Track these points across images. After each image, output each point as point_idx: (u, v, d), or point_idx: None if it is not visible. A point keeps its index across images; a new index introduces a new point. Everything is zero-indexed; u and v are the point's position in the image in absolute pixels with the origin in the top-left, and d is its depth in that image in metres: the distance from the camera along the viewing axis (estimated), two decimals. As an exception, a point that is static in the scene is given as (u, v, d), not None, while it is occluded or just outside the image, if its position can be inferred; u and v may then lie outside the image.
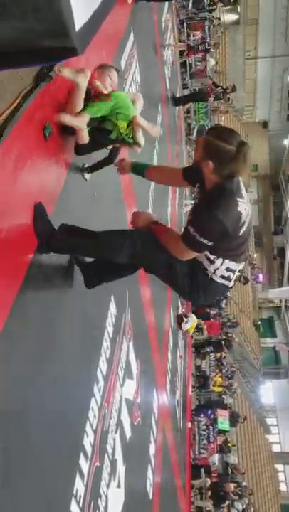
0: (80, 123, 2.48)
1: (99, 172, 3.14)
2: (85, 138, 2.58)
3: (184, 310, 10.50)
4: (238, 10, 24.91)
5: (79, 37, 0.86)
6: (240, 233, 2.10)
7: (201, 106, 13.63)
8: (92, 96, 2.60)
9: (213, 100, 12.82)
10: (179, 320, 10.03)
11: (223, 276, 2.22)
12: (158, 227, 2.27)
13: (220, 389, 13.75)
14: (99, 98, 2.60)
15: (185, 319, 10.18)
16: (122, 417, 3.53)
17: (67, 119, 2.41)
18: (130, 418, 3.81)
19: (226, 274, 2.22)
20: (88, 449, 2.63)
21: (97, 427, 2.84)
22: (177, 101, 10.97)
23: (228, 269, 2.21)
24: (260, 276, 28.79)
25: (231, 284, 2.28)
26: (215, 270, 2.19)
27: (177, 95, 11.37)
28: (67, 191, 2.57)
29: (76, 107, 2.47)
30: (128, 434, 3.69)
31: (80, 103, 2.47)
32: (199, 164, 2.10)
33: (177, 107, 11.63)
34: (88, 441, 2.64)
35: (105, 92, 2.65)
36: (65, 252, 2.40)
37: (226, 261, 2.18)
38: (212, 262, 2.18)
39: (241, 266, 2.33)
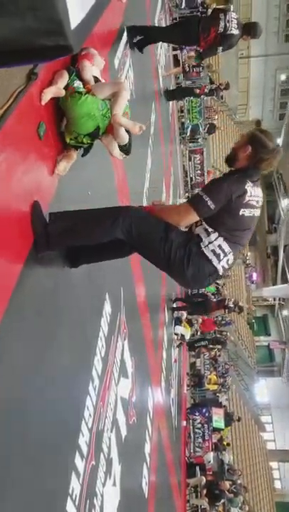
0: (58, 90, 2.37)
1: (92, 171, 3.13)
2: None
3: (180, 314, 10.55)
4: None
5: (74, 35, 0.86)
6: (240, 213, 2.40)
7: (195, 105, 13.63)
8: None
9: (206, 96, 12.71)
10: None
11: (214, 252, 2.39)
12: (144, 207, 2.54)
13: (215, 387, 13.79)
14: (67, 89, 2.45)
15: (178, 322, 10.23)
16: (117, 416, 3.53)
17: (48, 92, 2.31)
18: (126, 417, 3.82)
19: (217, 251, 2.40)
20: (84, 448, 2.63)
21: (93, 426, 2.84)
22: (170, 95, 10.78)
23: (220, 247, 2.41)
24: (254, 275, 28.89)
25: (220, 266, 2.42)
26: (208, 243, 2.39)
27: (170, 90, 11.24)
28: (62, 190, 2.56)
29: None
30: (123, 433, 3.70)
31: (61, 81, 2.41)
32: (237, 150, 2.50)
33: (171, 105, 11.63)
34: (84, 440, 2.64)
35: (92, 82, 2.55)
36: (62, 242, 2.36)
37: (220, 238, 2.40)
38: (208, 234, 2.40)
39: (232, 257, 2.47)
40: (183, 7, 13.20)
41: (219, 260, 2.42)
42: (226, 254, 2.44)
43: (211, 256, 2.40)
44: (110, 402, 3.35)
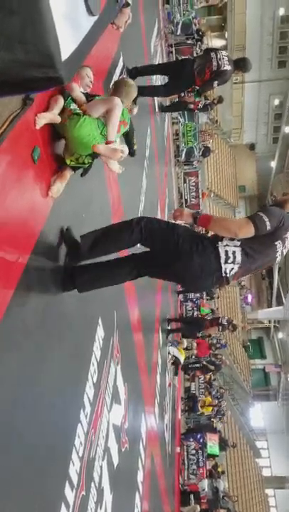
0: (53, 116, 2.40)
1: (87, 193, 3.13)
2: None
3: (173, 337, 10.47)
4: (226, 36, 25.54)
5: (65, 66, 0.85)
6: (274, 243, 2.67)
7: (190, 129, 13.81)
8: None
9: (200, 111, 12.81)
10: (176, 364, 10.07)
11: (226, 253, 2.61)
12: (202, 215, 2.72)
13: (209, 409, 13.58)
14: (63, 112, 2.48)
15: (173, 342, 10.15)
16: (109, 444, 3.44)
17: (43, 116, 2.33)
18: (118, 444, 3.72)
19: (230, 254, 2.61)
20: (74, 478, 2.55)
21: (84, 455, 2.76)
22: (164, 108, 10.82)
23: (233, 254, 2.61)
24: (249, 296, 28.84)
25: (224, 267, 2.62)
26: (226, 245, 2.62)
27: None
28: (56, 213, 2.55)
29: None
30: (115, 461, 3.60)
31: (56, 107, 2.45)
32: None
33: (166, 128, 11.75)
34: (74, 469, 2.57)
35: (83, 100, 2.57)
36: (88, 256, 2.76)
37: (239, 249, 2.61)
38: (232, 239, 2.63)
39: (237, 269, 2.65)
40: (178, 34, 13.48)
41: (226, 262, 2.61)
42: (233, 262, 2.62)
43: (221, 254, 2.61)
44: (102, 430, 3.27)
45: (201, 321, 11.27)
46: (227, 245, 2.62)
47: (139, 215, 2.83)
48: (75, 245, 2.68)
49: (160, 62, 8.00)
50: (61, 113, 2.50)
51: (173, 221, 2.79)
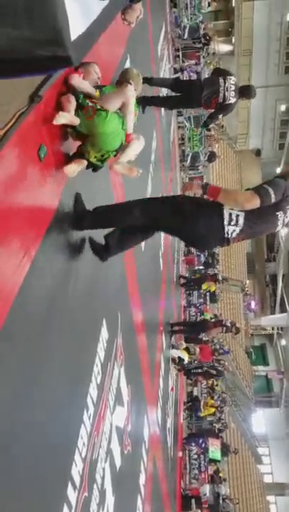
0: (72, 117, 2.45)
1: (92, 196, 3.13)
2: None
3: (175, 340, 10.42)
4: (233, 41, 25.57)
5: (74, 47, 0.83)
6: (276, 213, 2.81)
7: (196, 133, 13.80)
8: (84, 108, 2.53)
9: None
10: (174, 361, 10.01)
11: (230, 215, 2.74)
12: (211, 186, 2.82)
13: (212, 410, 13.48)
14: (87, 109, 2.52)
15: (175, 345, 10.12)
16: (112, 446, 3.42)
17: (62, 116, 2.35)
18: (120, 447, 3.70)
19: (233, 217, 2.74)
20: (77, 479, 2.53)
21: (87, 456, 2.74)
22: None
23: (236, 217, 2.74)
24: (253, 303, 28.72)
25: (226, 228, 2.76)
26: (231, 208, 2.74)
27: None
28: (61, 213, 2.54)
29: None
30: (118, 463, 3.58)
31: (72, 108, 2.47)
32: None
33: (172, 133, 11.75)
34: (77, 470, 2.55)
35: (95, 94, 2.58)
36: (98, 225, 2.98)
37: (243, 214, 2.74)
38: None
39: (238, 231, 2.79)
40: (186, 37, 13.50)
41: (229, 224, 2.75)
42: (236, 225, 2.76)
43: (225, 216, 2.74)
44: (105, 431, 3.25)
45: (204, 323, 11.23)
46: (232, 209, 2.75)
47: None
48: (83, 212, 2.84)
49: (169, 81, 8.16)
50: (79, 110, 2.52)
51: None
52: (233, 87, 5.52)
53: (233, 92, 5.51)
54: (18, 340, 1.92)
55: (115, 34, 4.43)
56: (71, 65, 0.88)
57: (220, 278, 16.08)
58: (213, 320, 13.13)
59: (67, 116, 2.38)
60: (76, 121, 2.48)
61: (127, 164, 2.73)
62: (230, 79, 5.54)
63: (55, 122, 2.31)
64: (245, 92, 5.70)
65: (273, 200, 2.72)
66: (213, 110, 5.87)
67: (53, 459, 2.25)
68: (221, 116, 6.14)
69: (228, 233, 2.78)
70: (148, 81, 5.61)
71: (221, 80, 5.50)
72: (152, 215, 2.93)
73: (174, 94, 6.23)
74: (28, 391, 1.97)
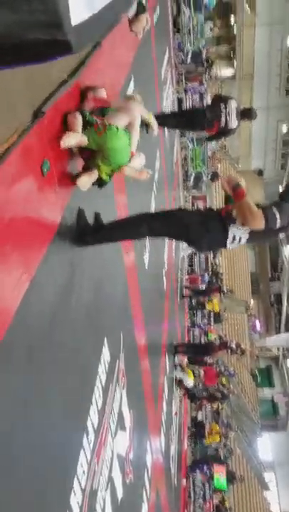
0: (80, 137, 2.46)
1: (93, 210, 3.07)
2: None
3: (180, 359, 10.25)
4: (234, 65, 25.97)
5: (75, 32, 0.77)
6: (279, 236, 3.04)
7: (199, 153, 13.87)
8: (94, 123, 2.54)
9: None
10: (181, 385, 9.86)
11: (233, 236, 2.89)
12: (241, 189, 2.81)
13: (216, 438, 13.18)
14: (97, 126, 2.54)
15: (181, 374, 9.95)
16: (113, 474, 3.27)
17: (70, 136, 2.36)
18: (122, 475, 3.55)
19: (236, 238, 2.90)
20: (75, 509, 2.39)
21: (86, 485, 2.61)
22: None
23: (239, 238, 2.90)
24: (258, 324, 28.45)
25: (227, 246, 2.95)
26: (237, 229, 2.85)
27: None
28: (64, 229, 2.48)
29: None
30: (119, 492, 3.43)
31: (80, 128, 2.48)
32: None
33: (175, 153, 11.80)
34: (76, 500, 2.42)
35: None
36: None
37: (247, 233, 2.87)
38: (243, 226, 2.83)
39: (238, 245, 2.98)
40: (188, 62, 13.68)
41: (232, 243, 2.92)
42: (238, 243, 2.94)
43: (229, 236, 2.89)
44: (106, 459, 3.11)
45: (209, 345, 11.05)
46: (238, 229, 2.86)
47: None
48: (86, 227, 2.85)
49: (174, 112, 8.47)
50: (88, 126, 2.53)
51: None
52: (234, 111, 5.71)
53: (234, 116, 5.71)
54: (16, 360, 1.84)
55: (120, 57, 4.44)
56: (71, 51, 0.81)
57: (225, 290, 16.02)
58: (217, 341, 12.96)
59: (75, 137, 2.38)
60: (84, 141, 2.49)
61: (138, 168, 2.78)
62: (231, 104, 5.72)
63: (63, 144, 2.30)
64: (246, 114, 5.93)
65: (278, 225, 2.78)
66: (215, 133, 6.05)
67: (50, 488, 2.13)
68: (223, 138, 6.45)
69: (226, 247, 2.99)
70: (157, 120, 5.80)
71: (223, 106, 5.69)
72: (158, 233, 3.16)
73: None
74: (25, 412, 1.88)
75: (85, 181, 2.57)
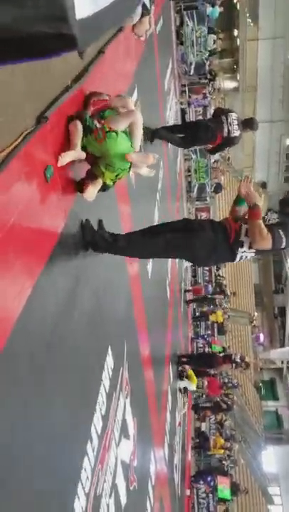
0: (78, 153, 2.47)
1: (97, 216, 3.10)
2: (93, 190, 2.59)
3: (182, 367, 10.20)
4: (238, 77, 26.18)
5: (80, 26, 0.78)
6: (280, 250, 3.20)
7: (202, 165, 13.94)
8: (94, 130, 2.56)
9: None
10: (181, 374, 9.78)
11: (241, 257, 3.09)
12: (258, 210, 2.94)
13: (221, 451, 13.05)
14: (96, 133, 2.55)
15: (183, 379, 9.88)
16: (117, 481, 3.26)
17: (67, 155, 2.38)
18: (126, 482, 3.53)
19: (244, 257, 3.09)
20: (79, 515, 2.38)
21: (90, 491, 2.60)
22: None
23: (246, 257, 3.12)
24: (261, 336, 28.29)
25: (237, 258, 3.10)
26: (243, 252, 3.04)
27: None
28: (66, 235, 2.50)
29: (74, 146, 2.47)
30: (123, 500, 3.41)
31: (79, 141, 2.49)
32: None
33: (178, 164, 11.85)
34: (80, 505, 2.41)
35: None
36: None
37: (253, 254, 3.07)
38: (250, 247, 3.01)
39: (251, 255, 3.14)
40: (192, 74, 13.80)
41: (239, 260, 3.12)
42: (245, 258, 3.13)
43: (237, 258, 3.08)
44: (110, 465, 3.10)
45: (213, 358, 10.96)
46: (245, 252, 3.04)
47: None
48: (94, 237, 2.93)
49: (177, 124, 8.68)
50: (88, 133, 2.54)
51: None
52: (235, 122, 5.93)
53: (236, 126, 5.92)
54: (19, 368, 1.83)
55: (123, 66, 4.51)
56: (76, 48, 0.83)
57: (228, 293, 16.00)
58: (222, 354, 12.88)
59: (71, 155, 2.41)
60: (82, 156, 2.51)
61: (142, 153, 2.78)
62: (232, 115, 5.98)
63: (60, 163, 2.32)
64: (248, 124, 6.08)
65: (283, 246, 2.98)
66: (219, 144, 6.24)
67: (54, 493, 2.13)
68: (226, 148, 6.83)
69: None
70: (154, 133, 6.11)
71: (224, 117, 5.96)
72: (171, 255, 3.65)
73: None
74: (29, 418, 1.88)
75: (92, 192, 2.58)
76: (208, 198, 15.42)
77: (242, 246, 3.03)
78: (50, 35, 0.78)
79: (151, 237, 3.19)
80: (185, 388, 10.00)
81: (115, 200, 3.92)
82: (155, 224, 3.52)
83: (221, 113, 6.15)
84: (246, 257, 3.10)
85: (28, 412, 1.87)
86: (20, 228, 1.92)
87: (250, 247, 3.01)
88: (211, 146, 6.61)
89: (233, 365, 10.40)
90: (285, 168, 29.98)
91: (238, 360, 10.26)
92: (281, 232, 2.93)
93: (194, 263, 3.47)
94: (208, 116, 11.77)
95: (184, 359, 10.43)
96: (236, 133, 5.95)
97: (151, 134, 6.03)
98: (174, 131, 6.96)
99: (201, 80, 14.27)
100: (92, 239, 2.87)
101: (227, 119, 5.93)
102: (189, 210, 15.42)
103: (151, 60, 6.98)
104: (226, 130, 5.91)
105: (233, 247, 3.05)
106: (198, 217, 15.72)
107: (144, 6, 3.49)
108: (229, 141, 6.11)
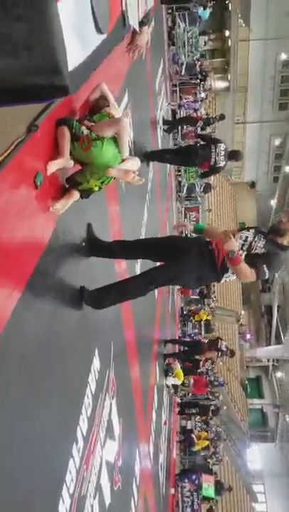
0: (66, 161, 2.49)
1: (87, 222, 3.13)
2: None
3: (170, 361, 10.28)
4: (228, 78, 26.27)
5: (71, 76, 0.83)
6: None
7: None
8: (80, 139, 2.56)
9: (203, 125, 12.77)
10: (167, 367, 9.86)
11: (225, 280, 3.31)
12: (237, 257, 3.02)
13: (205, 442, 13.13)
14: (82, 141, 2.55)
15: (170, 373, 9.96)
16: (101, 482, 3.30)
17: (55, 164, 2.40)
18: (110, 482, 3.58)
19: (228, 280, 3.29)
20: (63, 516, 2.43)
21: (75, 492, 2.64)
22: (170, 126, 10.89)
23: (230, 279, 3.30)
24: (248, 334, 28.53)
25: (222, 281, 3.31)
26: (226, 277, 3.25)
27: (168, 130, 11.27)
28: (56, 239, 2.53)
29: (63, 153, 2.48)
30: (107, 500, 3.46)
31: (66, 149, 2.50)
32: (286, 228, 3.20)
33: (168, 165, 11.88)
34: (64, 507, 2.45)
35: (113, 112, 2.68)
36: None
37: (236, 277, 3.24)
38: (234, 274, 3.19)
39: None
40: (183, 74, 13.82)
41: (224, 281, 3.31)
42: (229, 279, 3.30)
43: (222, 281, 3.31)
44: (94, 466, 3.14)
45: (199, 344, 11.03)
46: (229, 276, 3.23)
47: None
48: (95, 241, 3.25)
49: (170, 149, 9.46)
50: (75, 141, 2.55)
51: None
52: (223, 153, 6.68)
53: (222, 157, 6.70)
54: (7, 370, 1.87)
55: (114, 68, 4.52)
56: (67, 94, 0.88)
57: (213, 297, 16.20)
58: (207, 340, 12.90)
59: (59, 163, 2.42)
60: (70, 164, 2.52)
61: (122, 168, 2.72)
62: (221, 146, 6.69)
63: (48, 173, 2.34)
64: (233, 155, 6.98)
65: (266, 277, 3.20)
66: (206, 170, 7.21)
67: (38, 495, 2.17)
68: (212, 175, 8.00)
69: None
70: (148, 156, 6.81)
71: (213, 147, 6.67)
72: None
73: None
74: (14, 420, 1.91)
75: (62, 205, 2.52)
76: (198, 198, 15.49)
77: (227, 271, 3.20)
78: (44, 86, 0.82)
79: (143, 280, 3.40)
80: (173, 385, 10.08)
81: (104, 201, 3.95)
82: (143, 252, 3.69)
83: (210, 142, 6.86)
84: (231, 279, 3.29)
85: (12, 413, 1.90)
86: (10, 234, 1.96)
87: (234, 273, 3.19)
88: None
89: (219, 353, 10.41)
90: (274, 168, 30.20)
91: (224, 348, 10.28)
92: (265, 267, 3.08)
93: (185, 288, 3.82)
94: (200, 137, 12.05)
95: (171, 344, 10.50)
96: (222, 164, 6.73)
97: (147, 160, 6.88)
98: (166, 154, 7.73)
99: (192, 80, 14.29)
100: (92, 301, 3.12)
101: (216, 149, 6.63)
102: (179, 209, 15.48)
103: (142, 61, 7.01)
104: (213, 160, 6.67)
105: (219, 271, 3.21)
106: (188, 216, 15.80)
107: (145, 15, 3.33)
108: (214, 170, 7.04)
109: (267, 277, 3.19)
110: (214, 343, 10.53)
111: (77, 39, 0.84)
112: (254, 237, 3.21)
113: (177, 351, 11.13)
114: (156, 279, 3.34)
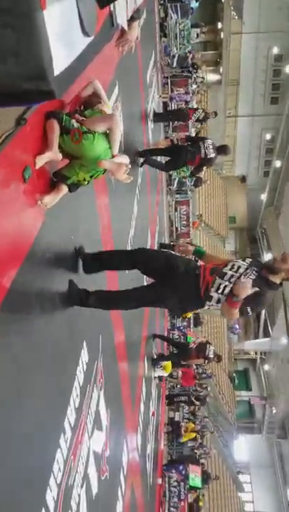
0: (54, 154, 2.49)
1: (76, 215, 3.13)
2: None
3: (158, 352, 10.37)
4: (220, 71, 26.20)
5: (58, 81, 0.85)
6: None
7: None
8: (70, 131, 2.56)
9: (195, 121, 12.74)
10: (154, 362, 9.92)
11: (208, 308, 3.32)
12: (238, 304, 3.02)
13: (192, 435, 13.27)
14: (73, 134, 2.56)
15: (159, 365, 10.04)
16: (88, 471, 3.35)
17: (43, 158, 2.40)
18: (98, 472, 3.63)
19: (211, 308, 3.28)
20: (51, 505, 2.47)
21: (62, 481, 2.69)
22: (158, 117, 10.98)
23: (213, 306, 3.23)
24: (236, 326, 28.71)
25: (205, 307, 3.35)
26: (212, 305, 3.22)
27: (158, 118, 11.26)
28: (45, 233, 2.55)
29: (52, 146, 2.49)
30: (94, 489, 3.51)
31: (55, 142, 2.50)
32: (280, 267, 3.12)
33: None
34: (51, 496, 2.49)
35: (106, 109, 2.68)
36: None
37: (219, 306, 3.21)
38: (218, 302, 3.17)
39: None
40: (174, 66, 13.78)
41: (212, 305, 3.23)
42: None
43: (205, 307, 3.34)
44: (82, 456, 3.19)
45: (186, 350, 11.03)
46: (213, 305, 3.22)
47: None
48: (88, 259, 3.32)
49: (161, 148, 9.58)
50: (65, 134, 2.54)
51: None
52: (211, 146, 7.23)
53: (212, 150, 7.22)
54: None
55: (104, 61, 4.51)
56: (54, 98, 0.91)
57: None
58: (195, 345, 12.94)
59: (47, 156, 2.42)
60: (58, 157, 2.52)
61: (115, 161, 2.74)
62: (208, 141, 7.31)
63: (36, 167, 2.35)
64: (221, 149, 7.47)
65: (249, 315, 3.41)
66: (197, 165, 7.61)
67: (26, 484, 2.20)
68: (204, 168, 8.19)
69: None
70: (140, 155, 7.30)
71: (201, 143, 7.27)
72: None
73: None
74: (2, 412, 1.94)
75: (50, 200, 2.53)
76: (188, 192, 15.50)
77: (210, 300, 3.19)
78: (31, 90, 0.84)
79: (127, 298, 3.50)
80: (160, 377, 10.16)
81: (94, 195, 3.96)
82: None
83: (198, 140, 7.45)
84: (214, 309, 3.30)
85: (1, 405, 1.93)
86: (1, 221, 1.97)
87: (218, 302, 3.17)
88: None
89: (206, 361, 10.39)
90: (265, 162, 30.25)
91: (211, 355, 10.25)
92: (249, 310, 3.10)
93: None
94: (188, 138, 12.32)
95: (160, 339, 10.60)
96: (212, 155, 7.21)
97: (141, 163, 7.43)
98: (158, 154, 8.16)
99: (184, 72, 14.26)
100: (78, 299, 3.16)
101: (204, 144, 7.19)
102: (169, 203, 15.49)
103: (133, 53, 6.98)
104: (203, 152, 7.15)
105: (202, 299, 3.22)
106: (178, 210, 15.80)
107: (136, 10, 3.34)
108: (206, 162, 7.37)
109: (249, 315, 3.24)
110: (202, 348, 10.45)
111: (63, 44, 0.86)
112: (246, 270, 3.15)
113: (166, 354, 11.16)
114: (139, 300, 3.49)
